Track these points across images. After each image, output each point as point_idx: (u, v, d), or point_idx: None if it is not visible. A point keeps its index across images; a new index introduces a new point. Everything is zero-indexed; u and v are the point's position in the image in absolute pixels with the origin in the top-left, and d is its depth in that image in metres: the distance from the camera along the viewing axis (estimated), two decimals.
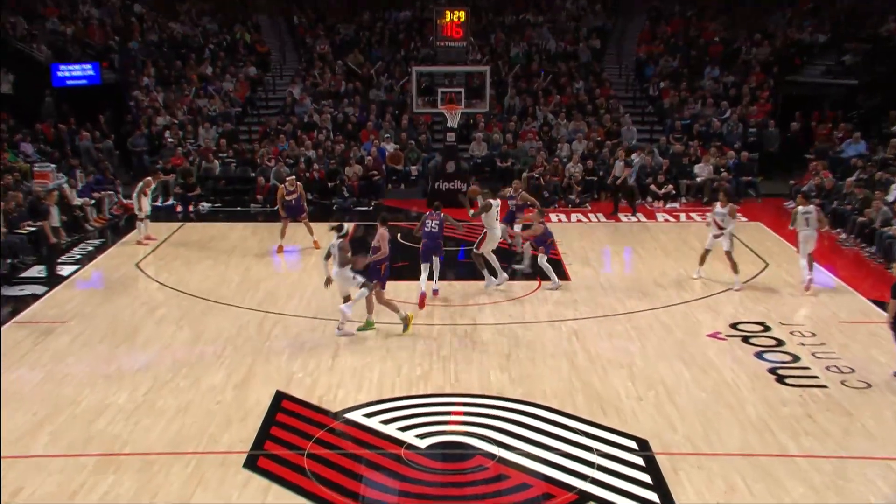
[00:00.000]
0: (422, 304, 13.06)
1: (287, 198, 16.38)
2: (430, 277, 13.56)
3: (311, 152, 22.17)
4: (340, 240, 11.62)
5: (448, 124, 20.74)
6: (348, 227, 11.69)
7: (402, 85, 25.46)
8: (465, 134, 23.55)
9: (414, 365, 10.89)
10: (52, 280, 14.53)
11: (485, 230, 13.93)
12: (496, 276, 14.07)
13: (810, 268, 13.80)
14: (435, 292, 13.62)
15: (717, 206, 14.30)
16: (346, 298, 11.87)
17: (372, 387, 10.22)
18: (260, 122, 25.08)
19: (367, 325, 12.12)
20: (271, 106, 25.94)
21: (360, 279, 11.77)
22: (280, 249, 16.45)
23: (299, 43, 28.60)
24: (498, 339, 11.85)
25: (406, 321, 11.95)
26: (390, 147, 22.69)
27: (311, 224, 16.70)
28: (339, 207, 20.49)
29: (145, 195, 17.03)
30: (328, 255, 11.71)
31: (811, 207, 13.86)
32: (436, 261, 13.56)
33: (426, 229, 13.35)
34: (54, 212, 15.67)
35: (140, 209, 16.94)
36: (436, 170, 21.58)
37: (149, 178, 17.52)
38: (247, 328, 12.25)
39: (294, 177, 17.23)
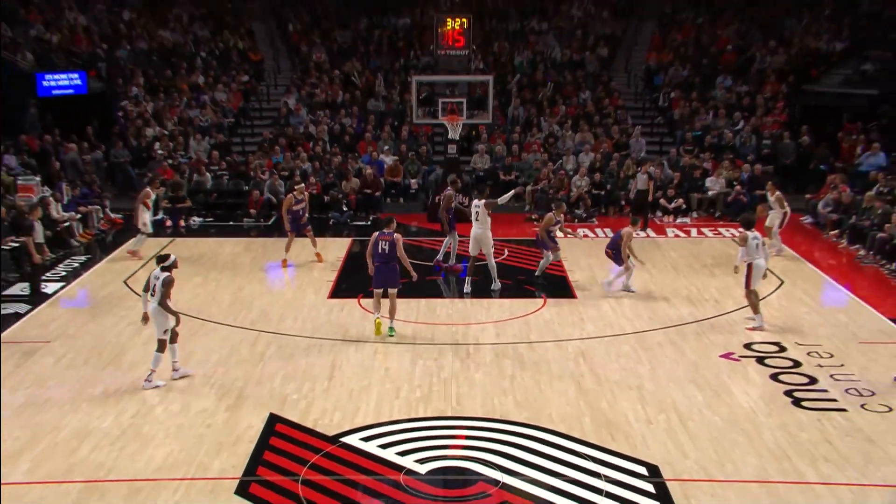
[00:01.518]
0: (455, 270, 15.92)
1: (295, 207, 16.54)
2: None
3: (307, 165, 22.25)
4: (166, 273, 10.77)
5: (449, 136, 20.84)
6: (175, 258, 11.01)
7: (402, 95, 25.59)
8: (467, 146, 23.64)
9: (413, 387, 10.88)
10: (36, 298, 14.53)
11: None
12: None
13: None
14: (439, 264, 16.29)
15: None
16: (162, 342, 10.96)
17: (369, 410, 10.21)
18: (253, 133, 25.19)
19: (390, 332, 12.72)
20: (265, 116, 26.07)
21: (171, 323, 10.85)
22: (284, 263, 16.59)
23: (294, 51, 28.77)
24: (501, 360, 11.85)
25: (376, 325, 12.68)
26: (389, 159, 22.79)
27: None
28: (336, 222, 20.53)
29: (147, 208, 17.08)
30: (147, 287, 10.91)
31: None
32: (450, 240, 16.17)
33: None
34: (38, 227, 15.54)
35: (144, 223, 17.03)
36: (437, 183, 21.65)
37: (147, 189, 17.59)
38: (239, 349, 12.26)
39: (304, 185, 17.48)
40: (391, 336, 12.61)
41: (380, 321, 12.65)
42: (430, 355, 11.98)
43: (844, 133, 23.00)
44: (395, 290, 12.70)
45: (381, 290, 12.71)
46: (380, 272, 12.55)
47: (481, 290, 14.78)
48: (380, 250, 12.51)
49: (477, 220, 14.58)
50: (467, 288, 14.78)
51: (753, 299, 13.09)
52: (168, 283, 10.73)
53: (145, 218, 17.07)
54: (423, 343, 12.46)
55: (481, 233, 14.55)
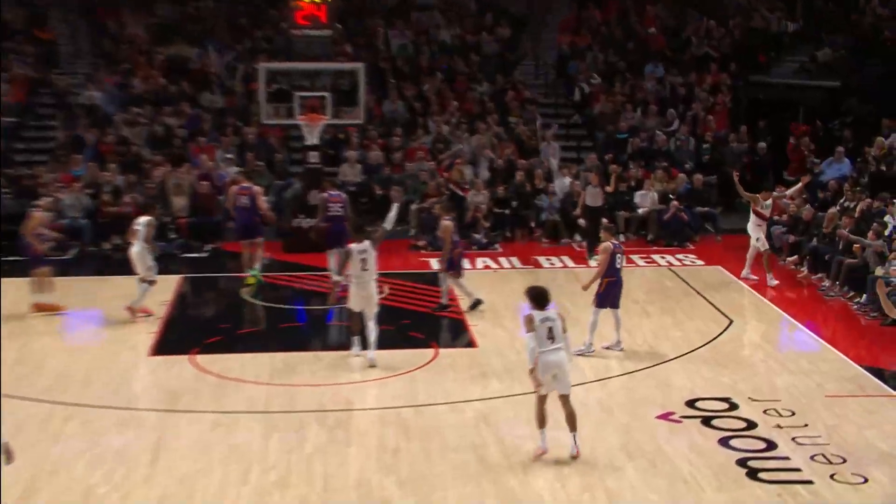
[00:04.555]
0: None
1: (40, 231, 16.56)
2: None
3: (119, 179, 21.75)
4: None
5: (307, 141, 20.68)
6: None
7: (248, 86, 25.41)
8: (334, 153, 23.61)
9: (267, 467, 10.73)
10: None
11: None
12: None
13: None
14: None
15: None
16: None
17: (207, 500, 10.03)
18: (45, 137, 24.54)
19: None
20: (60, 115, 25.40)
21: None
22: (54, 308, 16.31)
23: (100, 28, 28.16)
24: (381, 428, 11.82)
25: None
26: (231, 171, 22.47)
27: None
28: (162, 253, 19.78)
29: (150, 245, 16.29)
30: None
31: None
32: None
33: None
34: None
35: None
36: (296, 201, 21.50)
37: (149, 218, 16.48)
38: (24, 428, 11.80)
39: (53, 198, 17.44)
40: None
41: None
42: (288, 426, 11.85)
43: (796, 136, 23.50)
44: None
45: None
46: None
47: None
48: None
49: (366, 269, 13.73)
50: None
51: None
52: None
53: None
54: (278, 411, 12.34)
55: (368, 292, 13.81)
